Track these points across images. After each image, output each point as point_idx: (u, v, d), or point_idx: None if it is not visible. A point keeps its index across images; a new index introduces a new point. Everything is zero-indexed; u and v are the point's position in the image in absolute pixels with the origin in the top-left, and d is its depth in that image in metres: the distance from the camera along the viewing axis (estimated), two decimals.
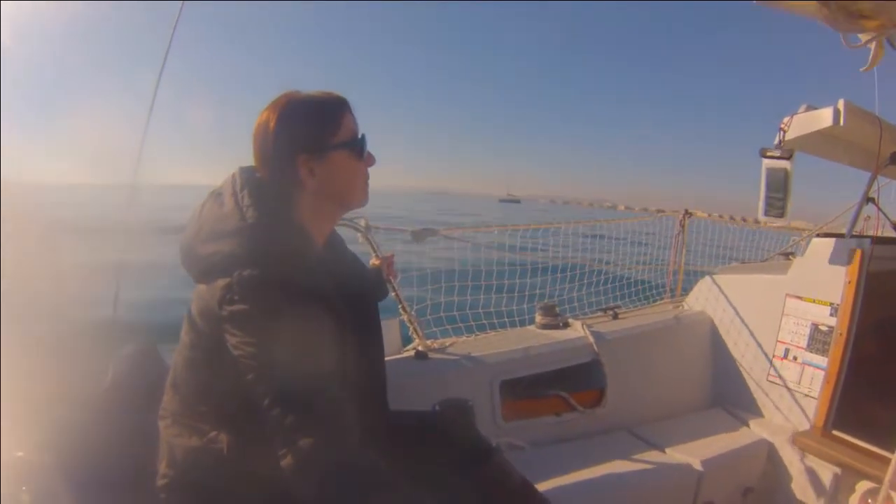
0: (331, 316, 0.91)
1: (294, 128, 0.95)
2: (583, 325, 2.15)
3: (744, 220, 3.00)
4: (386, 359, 1.71)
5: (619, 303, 2.58)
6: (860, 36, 1.83)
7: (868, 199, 2.26)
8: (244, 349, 0.84)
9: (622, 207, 2.99)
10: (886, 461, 1.73)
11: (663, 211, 2.74)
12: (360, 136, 1.01)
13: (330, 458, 0.82)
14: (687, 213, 2.67)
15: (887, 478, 1.23)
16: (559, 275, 2.53)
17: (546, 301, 2.27)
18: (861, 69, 1.96)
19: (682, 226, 2.66)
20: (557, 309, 2.22)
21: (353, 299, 1.03)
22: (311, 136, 0.96)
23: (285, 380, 0.84)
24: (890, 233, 2.35)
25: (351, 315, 0.98)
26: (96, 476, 0.98)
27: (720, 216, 2.99)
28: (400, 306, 1.87)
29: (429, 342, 1.91)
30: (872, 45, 1.81)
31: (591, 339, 2.07)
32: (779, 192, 2.22)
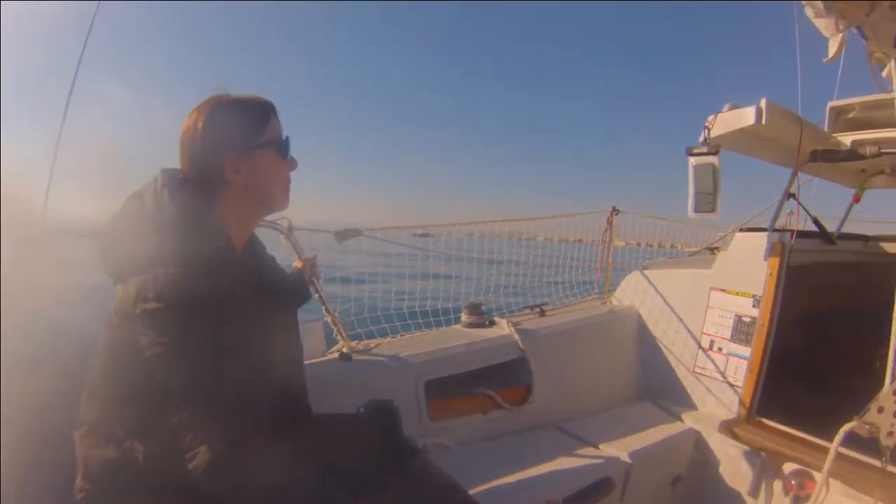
0: (245, 318, 0.91)
1: (223, 126, 0.97)
2: (508, 322, 2.15)
3: (660, 245, 3.16)
4: (310, 361, 1.69)
5: (546, 300, 2.59)
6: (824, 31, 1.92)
7: (789, 195, 2.34)
8: (155, 349, 0.83)
9: (541, 239, 3.07)
10: (809, 444, 1.79)
11: (582, 240, 2.85)
12: (285, 137, 1.04)
13: (238, 461, 0.82)
14: (614, 210, 2.71)
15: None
16: (485, 274, 2.54)
17: (472, 300, 2.27)
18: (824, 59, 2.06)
19: (610, 223, 2.71)
20: (483, 308, 2.22)
21: (269, 301, 1.04)
22: (240, 135, 0.98)
23: (196, 381, 0.83)
24: (811, 228, 2.42)
25: (266, 317, 0.99)
26: (18, 493, 0.95)
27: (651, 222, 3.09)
28: (324, 308, 1.84)
29: (353, 344, 1.89)
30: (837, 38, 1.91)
31: (517, 337, 2.07)
32: (708, 189, 2.27)
